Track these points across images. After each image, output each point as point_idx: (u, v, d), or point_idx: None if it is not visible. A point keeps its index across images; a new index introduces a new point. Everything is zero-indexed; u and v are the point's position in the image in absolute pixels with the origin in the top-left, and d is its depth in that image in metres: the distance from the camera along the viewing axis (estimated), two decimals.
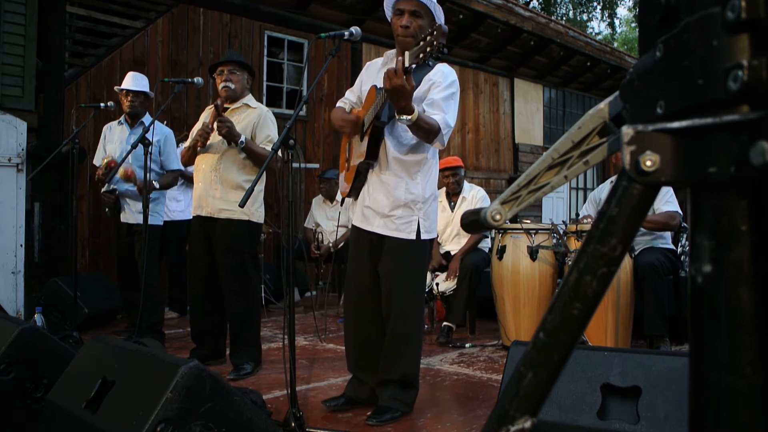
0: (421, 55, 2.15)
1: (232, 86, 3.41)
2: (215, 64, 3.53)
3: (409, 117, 2.27)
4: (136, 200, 3.98)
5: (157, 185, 3.86)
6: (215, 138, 3.31)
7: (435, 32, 2.11)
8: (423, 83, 2.53)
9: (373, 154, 2.54)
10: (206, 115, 3.58)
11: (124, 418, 1.65)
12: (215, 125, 3.23)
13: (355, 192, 2.70)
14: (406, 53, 2.22)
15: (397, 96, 2.22)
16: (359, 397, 2.71)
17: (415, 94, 2.42)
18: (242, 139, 3.25)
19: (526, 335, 3.77)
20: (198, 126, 3.52)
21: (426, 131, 2.40)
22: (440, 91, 2.49)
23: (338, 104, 2.86)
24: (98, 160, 4.28)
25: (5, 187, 4.55)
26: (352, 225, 2.75)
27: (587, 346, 2.14)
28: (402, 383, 2.60)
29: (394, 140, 2.56)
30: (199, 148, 3.40)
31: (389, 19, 2.62)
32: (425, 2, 2.50)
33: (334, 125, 2.80)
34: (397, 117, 2.31)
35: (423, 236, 2.59)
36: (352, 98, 2.80)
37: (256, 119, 3.41)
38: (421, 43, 2.16)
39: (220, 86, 3.42)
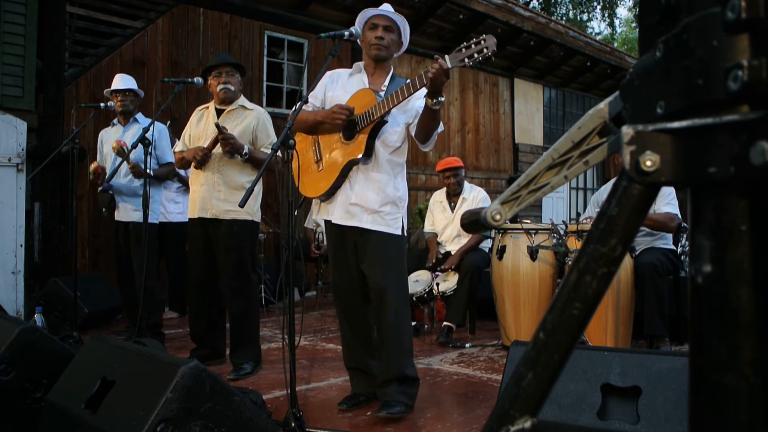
0: (466, 60, 2.29)
1: (232, 88, 3.42)
2: (209, 67, 3.54)
3: (443, 98, 2.42)
4: (132, 198, 3.98)
5: (151, 173, 3.80)
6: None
7: (485, 40, 2.27)
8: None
9: (370, 151, 2.60)
10: (197, 117, 3.57)
11: (124, 418, 1.65)
12: (219, 144, 3.23)
13: (331, 191, 2.69)
14: (447, 56, 2.33)
15: (440, 87, 2.36)
16: (371, 392, 2.75)
17: (399, 105, 2.56)
18: (245, 150, 3.27)
19: (526, 335, 3.77)
20: (188, 130, 3.54)
21: (437, 123, 2.54)
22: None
23: (306, 108, 2.78)
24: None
25: (5, 187, 4.55)
26: (331, 223, 2.71)
27: (587, 346, 2.14)
28: (403, 377, 2.63)
29: (382, 141, 2.64)
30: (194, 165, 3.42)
31: (359, 35, 2.63)
32: (396, 20, 2.68)
33: (314, 120, 2.68)
34: (431, 101, 2.40)
35: (405, 232, 2.72)
36: (316, 104, 2.77)
37: (255, 122, 3.41)
38: (464, 50, 2.29)
39: (219, 88, 3.42)
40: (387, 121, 2.61)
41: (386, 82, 2.71)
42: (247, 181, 3.36)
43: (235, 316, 3.37)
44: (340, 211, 2.67)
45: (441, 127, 2.61)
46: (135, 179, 3.97)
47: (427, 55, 8.40)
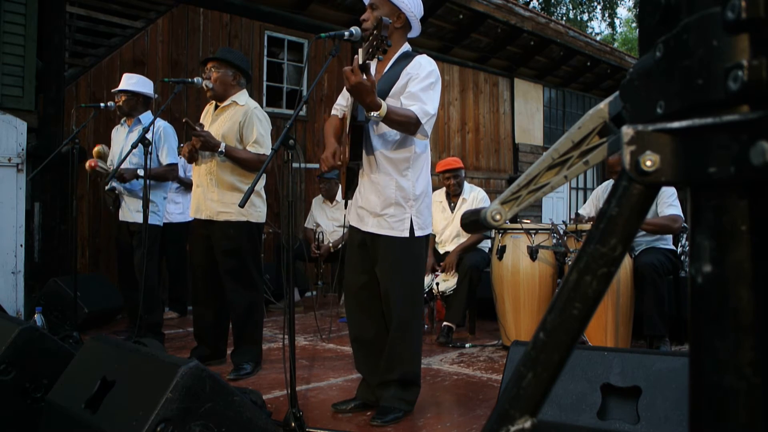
0: (370, 50, 2.20)
1: (209, 84, 3.37)
2: (203, 62, 3.54)
3: (377, 113, 2.27)
4: (135, 199, 3.98)
5: (141, 173, 3.73)
6: None
7: (378, 26, 2.16)
8: (401, 77, 2.53)
9: (357, 155, 2.53)
10: (203, 113, 3.58)
11: (124, 418, 1.65)
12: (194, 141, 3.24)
13: (350, 193, 2.71)
14: (360, 50, 2.27)
15: (359, 94, 2.24)
16: (370, 399, 2.70)
17: (393, 88, 2.50)
18: (221, 148, 3.23)
19: (526, 335, 3.77)
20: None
21: (402, 123, 2.40)
22: (418, 83, 2.48)
23: (332, 112, 2.85)
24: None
25: (5, 187, 4.55)
26: (350, 225, 2.75)
27: (587, 346, 2.14)
28: (403, 382, 2.60)
29: (380, 138, 2.56)
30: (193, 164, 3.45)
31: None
32: None
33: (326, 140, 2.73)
34: (366, 115, 2.32)
35: (417, 233, 2.57)
36: (343, 103, 2.79)
37: (242, 118, 3.34)
38: (370, 38, 2.21)
39: (203, 85, 3.41)
40: (363, 121, 2.47)
41: (387, 66, 2.60)
42: (239, 181, 3.34)
43: (238, 316, 3.36)
44: (353, 214, 2.69)
45: (426, 115, 2.42)
46: (137, 181, 3.96)
47: (428, 55, 8.40)
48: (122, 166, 3.83)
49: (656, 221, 3.71)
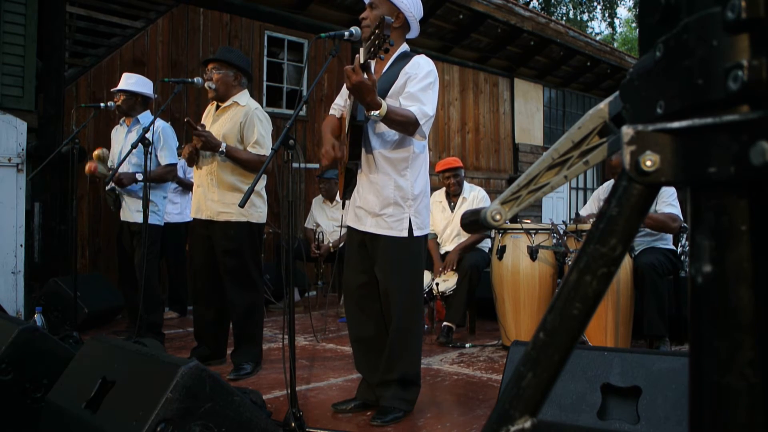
0: (372, 50, 2.19)
1: (212, 85, 3.38)
2: (204, 63, 3.54)
3: (377, 112, 2.27)
4: (135, 199, 3.98)
5: (139, 177, 3.76)
6: None
7: (380, 25, 2.15)
8: (400, 77, 2.52)
9: (355, 155, 2.53)
10: (204, 114, 3.59)
11: (124, 418, 1.65)
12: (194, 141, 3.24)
13: (349, 193, 2.71)
14: (361, 49, 2.27)
15: (360, 93, 2.23)
16: (370, 399, 2.70)
17: (392, 88, 2.50)
18: (222, 148, 3.23)
19: (526, 335, 3.77)
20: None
21: (401, 123, 2.40)
22: (416, 83, 2.48)
23: (330, 111, 2.85)
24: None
25: (5, 187, 4.55)
26: (347, 225, 2.75)
27: (587, 346, 2.14)
28: (403, 382, 2.60)
29: (379, 138, 2.55)
30: (194, 166, 3.45)
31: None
32: None
33: (323, 137, 2.72)
34: (366, 114, 2.32)
35: (415, 233, 2.57)
36: (341, 102, 2.79)
37: (243, 119, 3.34)
38: (371, 37, 2.20)
39: (206, 86, 3.41)
40: (362, 121, 2.45)
41: (386, 66, 2.61)
42: (239, 181, 3.34)
43: (238, 316, 3.36)
44: (351, 214, 2.69)
45: (425, 116, 2.42)
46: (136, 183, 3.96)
47: (428, 55, 8.39)
48: (121, 168, 3.83)
49: (655, 216, 3.71)
